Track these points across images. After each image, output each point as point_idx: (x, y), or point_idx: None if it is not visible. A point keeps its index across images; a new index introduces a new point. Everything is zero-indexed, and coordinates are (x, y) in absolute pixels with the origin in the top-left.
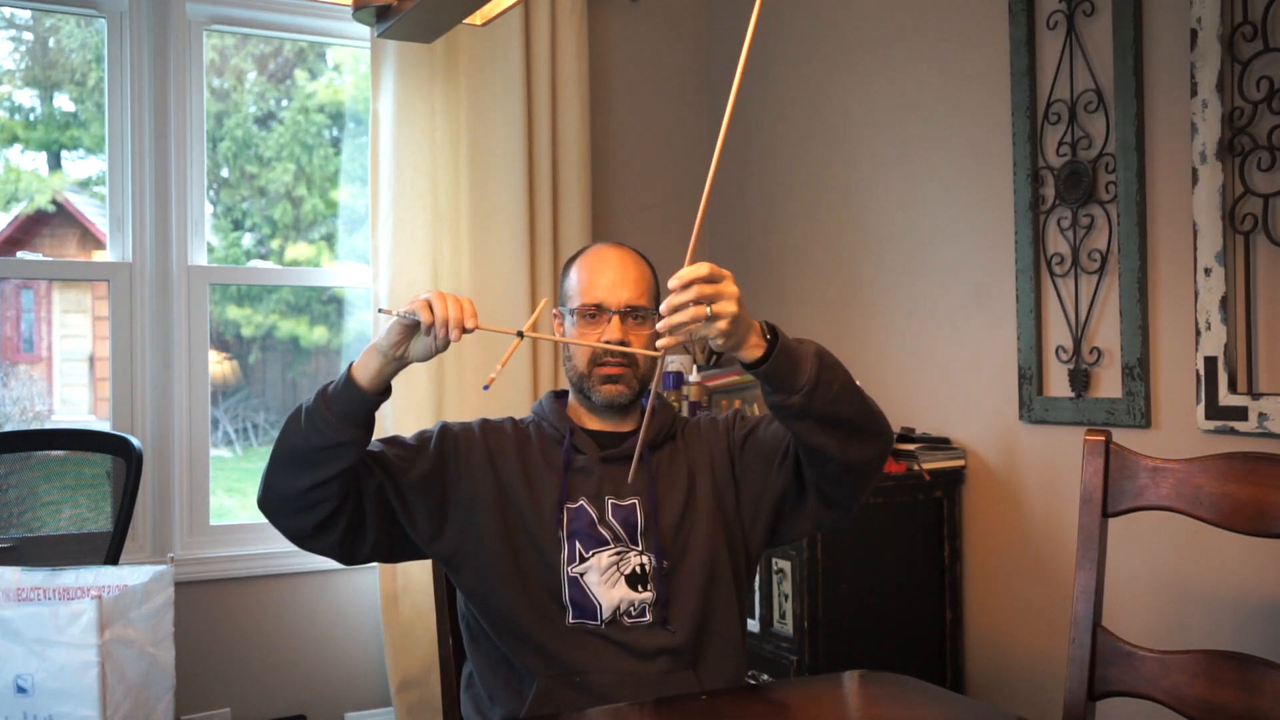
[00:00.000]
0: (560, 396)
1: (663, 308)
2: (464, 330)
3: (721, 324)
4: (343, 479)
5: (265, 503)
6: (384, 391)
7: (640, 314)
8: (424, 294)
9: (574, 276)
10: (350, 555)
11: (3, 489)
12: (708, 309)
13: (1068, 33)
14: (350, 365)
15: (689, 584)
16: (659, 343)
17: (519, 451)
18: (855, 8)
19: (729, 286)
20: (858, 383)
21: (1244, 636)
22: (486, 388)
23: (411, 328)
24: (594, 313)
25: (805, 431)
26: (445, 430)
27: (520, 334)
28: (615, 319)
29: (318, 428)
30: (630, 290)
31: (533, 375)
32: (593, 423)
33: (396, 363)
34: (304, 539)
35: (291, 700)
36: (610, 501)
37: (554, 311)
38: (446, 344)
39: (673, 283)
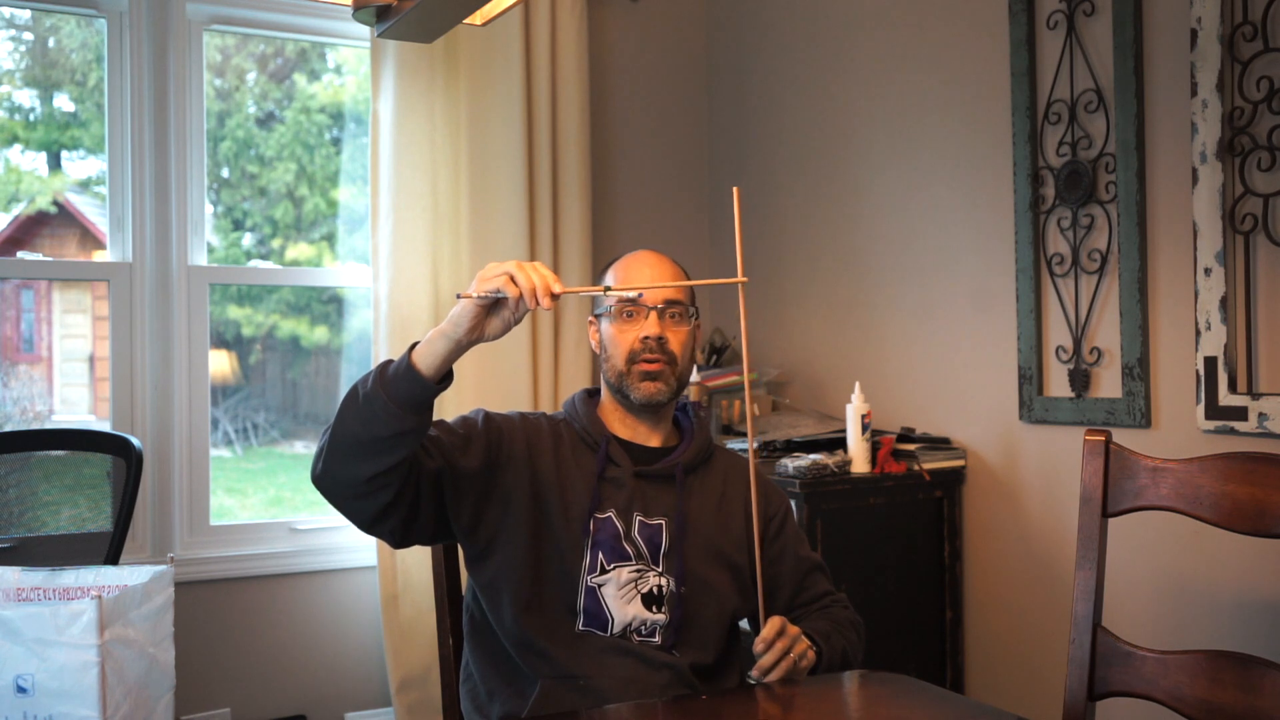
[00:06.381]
0: (593, 396)
1: (754, 672)
2: (553, 296)
3: (804, 663)
4: (405, 465)
5: (325, 487)
6: (447, 377)
7: (678, 308)
8: (498, 268)
9: (609, 278)
10: (405, 539)
11: (3, 489)
12: (792, 656)
13: (1068, 33)
14: (411, 349)
15: (702, 614)
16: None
17: (554, 451)
18: (855, 8)
19: (791, 628)
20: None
21: (1244, 636)
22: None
23: (487, 307)
24: (632, 309)
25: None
26: (490, 419)
27: (607, 289)
28: (654, 314)
29: (379, 416)
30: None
31: (532, 367)
32: (624, 430)
33: (469, 346)
34: (366, 524)
35: (291, 700)
36: (638, 518)
37: (589, 319)
38: (522, 316)
39: (758, 647)
